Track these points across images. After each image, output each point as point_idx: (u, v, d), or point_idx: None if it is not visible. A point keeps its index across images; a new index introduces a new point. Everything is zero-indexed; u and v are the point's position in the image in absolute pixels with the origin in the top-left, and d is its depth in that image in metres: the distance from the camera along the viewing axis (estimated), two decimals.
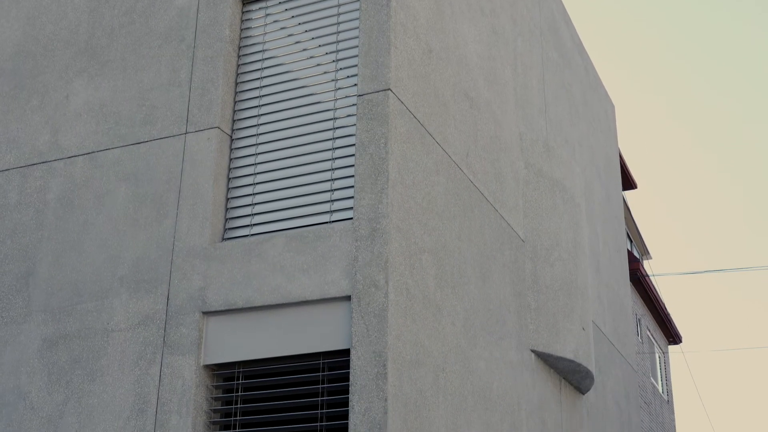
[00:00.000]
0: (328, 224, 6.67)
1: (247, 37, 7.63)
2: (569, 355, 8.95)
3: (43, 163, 7.74)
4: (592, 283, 10.95)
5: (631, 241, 25.81)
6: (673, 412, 28.13)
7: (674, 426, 27.68)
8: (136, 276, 7.04)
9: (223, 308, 6.69)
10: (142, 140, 7.44)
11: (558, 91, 11.08)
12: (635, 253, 25.95)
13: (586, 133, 12.08)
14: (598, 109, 13.16)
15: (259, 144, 7.25)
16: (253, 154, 7.24)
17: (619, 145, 24.61)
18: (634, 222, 25.24)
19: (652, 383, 24.63)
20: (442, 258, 7.11)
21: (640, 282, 22.66)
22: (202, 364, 6.67)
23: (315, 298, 6.43)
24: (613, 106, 14.12)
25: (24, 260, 7.47)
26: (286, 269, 6.58)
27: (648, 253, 27.79)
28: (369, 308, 6.23)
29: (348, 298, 6.37)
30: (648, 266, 30.91)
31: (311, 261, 6.53)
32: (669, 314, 25.89)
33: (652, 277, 24.27)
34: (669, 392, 27.62)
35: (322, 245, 6.54)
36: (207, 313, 6.78)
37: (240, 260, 6.76)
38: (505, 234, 8.53)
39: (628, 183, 24.15)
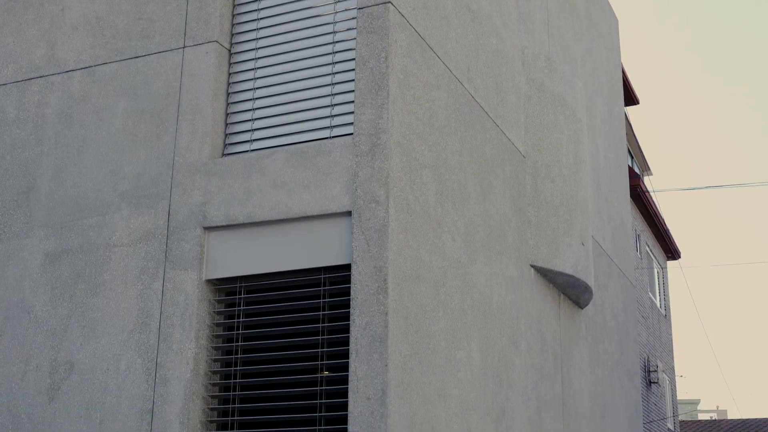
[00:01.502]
0: (329, 140, 6.64)
1: None
2: (568, 270, 9.01)
3: (40, 77, 7.68)
4: (592, 198, 10.96)
5: (631, 157, 25.77)
6: (670, 327, 28.48)
7: (671, 340, 28.05)
8: (136, 191, 7.04)
9: (224, 224, 6.71)
10: (139, 54, 7.36)
11: (561, 4, 10.92)
12: (636, 169, 25.93)
13: (589, 48, 11.95)
14: (602, 23, 12.99)
15: (259, 58, 7.18)
16: (253, 69, 7.17)
17: (622, 60, 24.36)
18: (635, 138, 25.16)
19: (651, 298, 24.87)
20: (443, 173, 7.10)
21: (640, 198, 22.70)
22: (204, 279, 6.72)
23: (315, 213, 6.45)
24: (616, 20, 13.93)
25: (24, 175, 7.47)
26: (286, 185, 6.58)
27: (648, 169, 27.77)
28: (369, 223, 6.24)
29: (348, 213, 6.39)
30: (648, 182, 30.94)
31: (312, 176, 6.52)
32: (668, 230, 26.00)
33: (652, 193, 24.31)
34: (667, 307, 27.92)
35: (322, 161, 6.53)
36: (208, 229, 6.81)
37: (240, 176, 6.75)
38: (506, 149, 8.51)
39: (630, 98, 23.99)
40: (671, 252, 27.48)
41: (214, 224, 6.74)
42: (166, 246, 6.82)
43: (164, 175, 6.99)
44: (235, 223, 6.68)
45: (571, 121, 9.50)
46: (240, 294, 6.75)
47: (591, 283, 9.48)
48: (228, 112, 7.17)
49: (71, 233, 7.14)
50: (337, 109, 6.78)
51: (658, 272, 26.63)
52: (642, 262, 23.70)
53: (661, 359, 25.38)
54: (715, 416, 54.67)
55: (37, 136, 7.53)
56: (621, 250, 12.34)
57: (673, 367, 27.81)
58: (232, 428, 6.54)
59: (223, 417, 6.59)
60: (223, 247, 6.74)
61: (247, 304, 6.76)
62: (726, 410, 56.91)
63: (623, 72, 21.93)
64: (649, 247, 24.97)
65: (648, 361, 23.49)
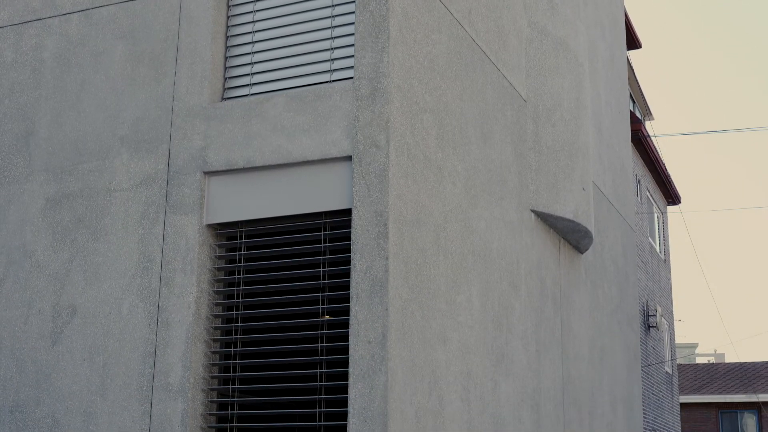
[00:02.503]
0: (329, 83, 6.60)
1: None
2: (569, 215, 9.02)
3: (37, 20, 7.60)
4: (593, 143, 10.93)
5: (633, 102, 25.63)
6: (669, 272, 28.60)
7: (670, 285, 28.19)
8: (136, 136, 7.02)
9: (224, 168, 6.70)
10: None
11: None
12: (637, 114, 25.82)
13: None
14: None
15: (258, 1, 7.10)
16: (252, 12, 7.10)
17: (625, 3, 24.08)
18: (637, 82, 25.00)
19: (650, 243, 24.94)
20: (444, 118, 7.07)
21: (641, 142, 22.63)
22: (205, 224, 6.73)
23: (316, 158, 6.43)
24: None
25: (23, 120, 7.43)
26: (286, 129, 6.56)
27: (650, 113, 27.64)
28: (370, 168, 6.23)
29: (349, 158, 6.37)
30: (650, 127, 30.82)
31: (312, 121, 6.50)
32: (669, 175, 25.97)
33: (653, 138, 24.23)
34: (666, 252, 28.01)
35: (322, 105, 6.49)
36: (208, 173, 6.80)
37: (240, 120, 6.72)
38: (507, 94, 8.46)
39: (633, 42, 23.78)
40: (671, 197, 27.48)
41: (214, 169, 6.73)
42: (167, 191, 6.82)
43: (163, 119, 6.96)
44: (235, 167, 6.67)
45: (572, 65, 9.44)
46: (241, 239, 6.77)
47: (591, 227, 9.49)
48: (227, 55, 7.11)
49: (71, 178, 7.13)
50: (337, 53, 6.73)
51: (658, 217, 26.67)
52: (642, 207, 23.71)
53: (659, 303, 25.54)
54: (712, 360, 55.16)
55: (36, 79, 7.48)
56: (621, 195, 12.34)
57: (671, 311, 27.99)
58: (234, 371, 6.60)
59: (225, 360, 6.65)
60: (224, 192, 6.74)
61: (248, 248, 6.78)
62: (723, 354, 57.40)
63: (626, 15, 21.72)
64: (649, 192, 24.96)
65: (647, 305, 23.64)
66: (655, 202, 25.91)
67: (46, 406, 6.75)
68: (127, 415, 6.51)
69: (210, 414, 6.51)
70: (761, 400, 37.63)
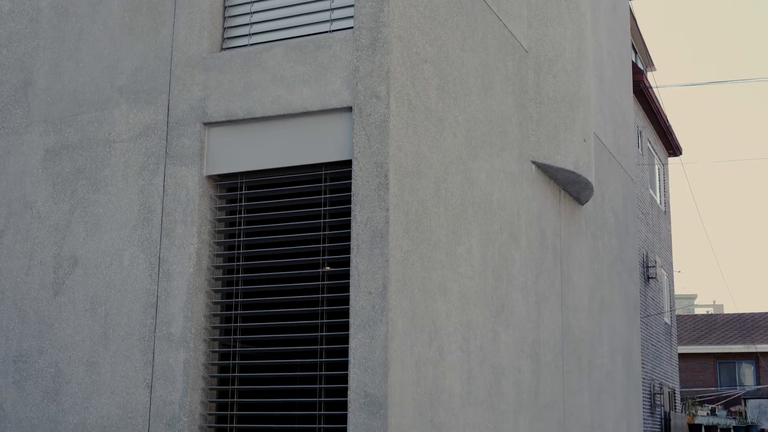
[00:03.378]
0: (328, 33, 6.55)
1: None
2: (569, 166, 9.00)
3: None
4: (594, 94, 10.87)
5: (635, 52, 25.45)
6: (669, 223, 28.63)
7: (670, 236, 28.25)
8: (135, 86, 6.98)
9: (224, 119, 6.67)
10: None
11: None
12: (639, 65, 25.65)
13: None
14: None
15: None
16: None
17: None
18: (639, 32, 24.80)
19: (651, 194, 24.94)
20: (444, 68, 7.02)
21: (642, 93, 22.51)
22: (205, 175, 6.72)
23: (316, 109, 6.40)
24: None
25: (21, 70, 7.39)
26: (286, 80, 6.52)
27: (652, 64, 27.47)
28: (370, 119, 6.21)
29: (349, 109, 6.34)
30: (651, 78, 30.64)
31: (311, 71, 6.45)
32: (670, 126, 25.88)
33: (654, 89, 24.09)
34: (666, 203, 28.01)
35: (322, 55, 6.44)
36: (208, 124, 6.77)
37: (239, 70, 6.68)
38: (509, 44, 8.39)
39: None
40: (672, 148, 27.41)
41: (213, 120, 6.70)
42: (166, 142, 6.80)
43: (162, 69, 6.92)
44: (234, 118, 6.64)
45: (574, 14, 9.35)
46: (241, 190, 6.76)
47: (592, 179, 9.48)
48: (226, 5, 7.04)
49: (70, 129, 7.11)
50: (337, 2, 6.66)
51: (658, 168, 26.64)
52: (643, 159, 23.66)
53: (659, 255, 25.61)
54: (711, 311, 55.46)
55: (33, 29, 7.42)
56: (622, 146, 12.31)
57: (671, 262, 28.07)
58: (235, 321, 6.64)
59: (226, 311, 6.68)
60: (224, 143, 6.72)
61: (248, 200, 6.78)
62: (722, 305, 57.68)
63: None
64: (650, 143, 24.89)
65: (646, 256, 23.70)
66: (656, 153, 25.85)
67: (49, 356, 6.80)
68: (130, 364, 6.55)
69: (212, 364, 6.56)
70: (759, 350, 37.89)
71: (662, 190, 27.28)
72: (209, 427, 6.49)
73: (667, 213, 27.93)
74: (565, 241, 9.50)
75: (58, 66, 7.25)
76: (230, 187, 6.83)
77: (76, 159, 7.03)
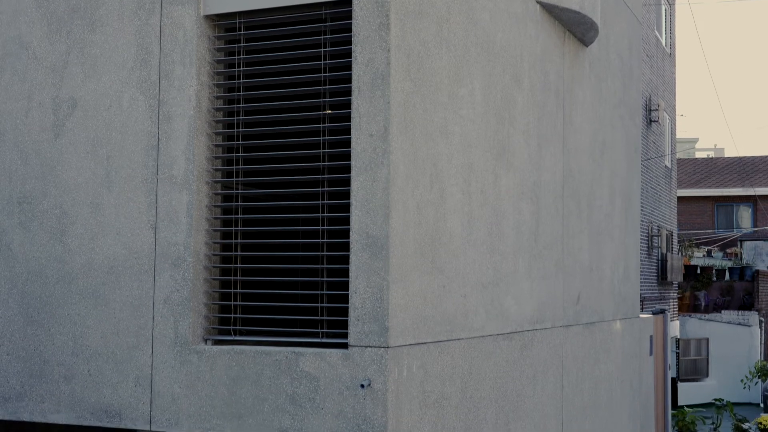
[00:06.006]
0: None
1: None
2: (575, 6, 8.81)
3: None
4: None
5: None
6: (674, 66, 28.29)
7: (674, 79, 27.98)
8: None
9: None
10: None
11: None
12: None
13: None
14: None
15: None
16: None
17: None
18: None
19: (656, 36, 24.55)
20: None
21: None
22: (202, 15, 6.59)
23: None
24: None
25: None
26: None
27: None
28: None
29: None
30: None
31: None
32: None
33: None
34: (672, 45, 27.61)
35: None
36: None
37: None
38: None
39: None
40: None
41: None
42: None
43: None
44: None
45: None
46: (240, 30, 6.64)
47: (597, 19, 9.30)
48: None
49: None
50: None
51: (665, 9, 26.12)
52: None
53: (662, 98, 25.44)
54: (712, 154, 55.59)
55: None
56: None
57: (674, 105, 27.92)
58: (237, 164, 6.66)
59: (228, 153, 6.69)
60: None
61: (248, 40, 6.66)
62: (723, 148, 57.82)
63: None
64: None
65: (650, 99, 23.56)
66: None
67: (52, 198, 6.85)
68: (134, 206, 6.61)
69: (215, 206, 6.62)
70: (758, 193, 38.18)
71: (668, 31, 26.83)
72: (214, 267, 6.61)
73: (672, 55, 27.57)
74: (568, 84, 9.41)
75: None
76: (228, 28, 6.70)
77: None
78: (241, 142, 6.57)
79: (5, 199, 6.99)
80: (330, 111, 6.36)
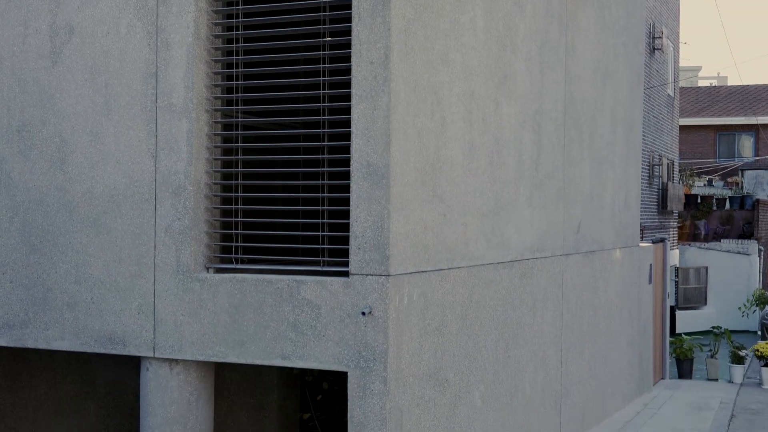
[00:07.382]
0: None
1: None
2: None
3: None
4: None
5: None
6: None
7: (678, 6, 27.60)
8: None
9: None
10: None
11: None
12: None
13: None
14: None
15: None
16: None
17: None
18: None
19: None
20: None
21: None
22: None
23: None
24: None
25: None
26: None
27: None
28: None
29: None
30: None
31: None
32: None
33: None
34: None
35: None
36: None
37: None
38: None
39: None
40: None
41: None
42: None
43: None
44: None
45: None
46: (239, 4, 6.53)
47: None
48: None
49: None
50: None
51: None
52: None
53: (666, 25, 25.14)
54: (715, 83, 55.17)
55: None
56: None
57: (677, 33, 27.62)
58: (237, 92, 6.61)
59: (227, 81, 6.63)
60: None
61: (247, 2, 6.56)
62: (726, 77, 57.34)
63: None
64: None
65: (653, 27, 23.28)
66: None
67: (52, 126, 6.81)
68: (133, 134, 6.58)
69: (215, 134, 6.59)
70: (760, 122, 38.01)
71: None
72: (215, 196, 6.61)
73: None
74: (571, 10, 9.29)
75: None
76: None
77: None
78: (240, 69, 6.51)
79: (4, 127, 6.95)
80: (330, 38, 6.29)
